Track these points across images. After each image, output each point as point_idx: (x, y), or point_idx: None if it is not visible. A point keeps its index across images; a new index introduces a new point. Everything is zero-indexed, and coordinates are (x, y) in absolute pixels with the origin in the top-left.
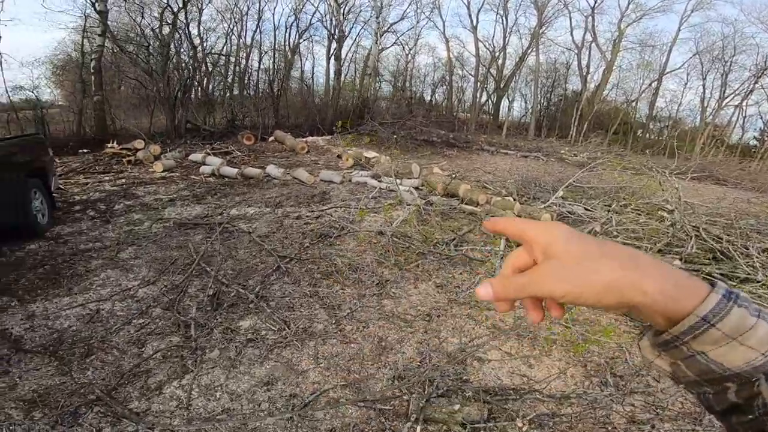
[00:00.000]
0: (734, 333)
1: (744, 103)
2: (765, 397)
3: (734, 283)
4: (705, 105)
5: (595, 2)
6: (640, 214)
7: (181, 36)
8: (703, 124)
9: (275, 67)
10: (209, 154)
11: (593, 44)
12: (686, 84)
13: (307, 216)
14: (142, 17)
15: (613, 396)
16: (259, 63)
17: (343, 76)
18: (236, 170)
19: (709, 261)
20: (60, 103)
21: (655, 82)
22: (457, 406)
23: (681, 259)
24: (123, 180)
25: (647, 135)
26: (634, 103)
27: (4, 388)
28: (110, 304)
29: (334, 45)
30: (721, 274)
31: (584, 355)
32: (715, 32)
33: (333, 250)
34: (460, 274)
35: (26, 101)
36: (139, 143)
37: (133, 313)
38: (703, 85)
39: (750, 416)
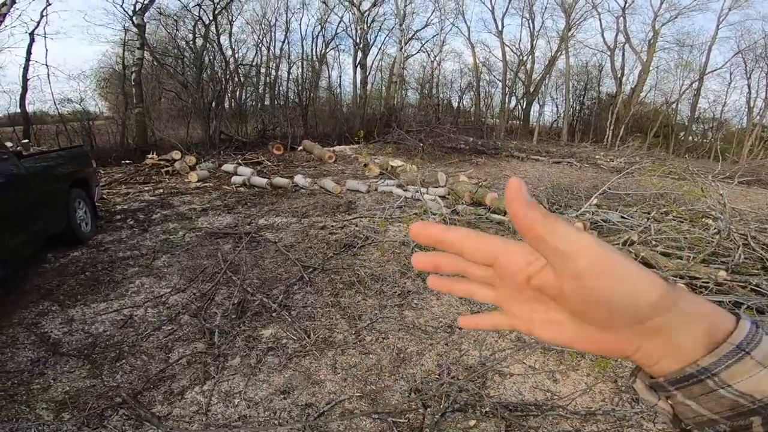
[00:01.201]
0: (765, 361)
1: None
2: None
3: None
4: (751, 105)
5: (626, 3)
6: (682, 222)
7: (213, 48)
8: (750, 126)
9: (303, 77)
10: (240, 165)
11: (626, 45)
12: (730, 84)
13: (332, 226)
14: (177, 30)
15: (644, 413)
16: (288, 73)
17: (369, 84)
18: (266, 180)
19: (757, 271)
20: (106, 114)
21: (696, 83)
22: (473, 422)
23: (727, 270)
24: (161, 190)
25: (690, 138)
26: (674, 105)
27: (39, 389)
28: (143, 310)
29: (359, 54)
30: None
31: (615, 371)
32: (757, 30)
33: (356, 260)
34: None
35: (73, 113)
36: (176, 154)
37: (163, 320)
38: (748, 85)
39: None
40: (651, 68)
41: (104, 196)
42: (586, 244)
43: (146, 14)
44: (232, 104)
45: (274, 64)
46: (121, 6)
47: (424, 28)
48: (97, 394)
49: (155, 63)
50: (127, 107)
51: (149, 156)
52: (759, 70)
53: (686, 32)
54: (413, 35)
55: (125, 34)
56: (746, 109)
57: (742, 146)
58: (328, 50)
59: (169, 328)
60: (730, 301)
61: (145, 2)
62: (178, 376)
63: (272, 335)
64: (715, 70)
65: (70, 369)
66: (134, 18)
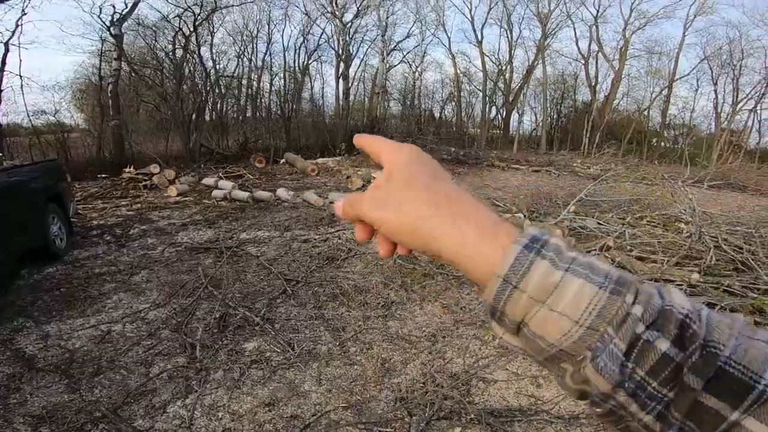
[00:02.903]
0: (540, 295)
1: (758, 107)
2: (596, 383)
3: (756, 295)
4: (719, 111)
5: (598, 12)
6: (655, 227)
7: (193, 59)
8: (718, 131)
9: (286, 88)
10: (221, 178)
11: (599, 54)
12: (697, 90)
13: (315, 239)
14: (156, 41)
15: None
16: (271, 85)
17: (352, 95)
18: (247, 194)
19: (729, 272)
20: (82, 126)
21: (666, 90)
22: (458, 429)
23: (700, 272)
24: (139, 205)
25: (662, 144)
26: (645, 112)
27: (15, 404)
28: (121, 325)
29: (341, 65)
30: (743, 287)
31: None
32: (721, 36)
33: (340, 272)
34: (467, 294)
35: (48, 125)
36: (154, 167)
37: (142, 335)
38: (715, 91)
39: (599, 410)
40: (623, 76)
41: (79, 211)
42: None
43: (124, 25)
44: (213, 116)
45: (256, 76)
46: (99, 16)
47: (405, 39)
48: (76, 409)
49: (133, 74)
50: (103, 119)
51: (126, 170)
52: (725, 75)
53: (655, 40)
54: (395, 46)
55: (102, 44)
56: (714, 115)
57: (712, 151)
58: (310, 62)
59: (149, 342)
60: (704, 302)
61: (124, 13)
62: (160, 390)
63: (255, 348)
64: (683, 77)
65: (47, 384)
66: (112, 28)
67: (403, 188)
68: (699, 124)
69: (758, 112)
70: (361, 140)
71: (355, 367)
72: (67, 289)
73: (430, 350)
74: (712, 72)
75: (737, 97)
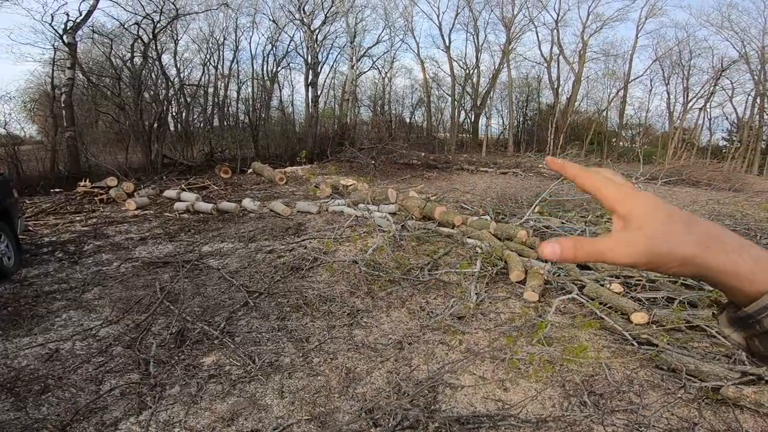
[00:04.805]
0: None
1: (708, 106)
2: None
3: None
4: (671, 110)
5: (558, 15)
6: None
7: (155, 67)
8: (672, 129)
9: (254, 96)
10: (184, 190)
11: (561, 57)
12: (651, 90)
13: (280, 249)
14: (112, 49)
15: (593, 416)
16: (238, 93)
17: (322, 103)
18: (211, 205)
19: None
20: (36, 138)
21: (622, 91)
22: None
23: None
24: (94, 220)
25: (621, 143)
26: (604, 113)
27: None
28: (70, 343)
29: (310, 73)
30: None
31: (562, 375)
32: (671, 37)
33: (305, 282)
34: (434, 298)
35: None
36: (111, 180)
37: (93, 352)
38: (667, 91)
39: None
40: (582, 78)
41: (29, 228)
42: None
43: (78, 33)
44: (178, 127)
45: (223, 84)
46: (50, 24)
47: (375, 45)
48: (22, 426)
49: (89, 83)
50: (57, 131)
51: (81, 183)
52: (675, 75)
53: (610, 42)
54: (364, 52)
55: (55, 53)
56: (667, 114)
57: (667, 149)
58: (279, 69)
59: (100, 360)
60: (663, 297)
61: (78, 21)
62: (111, 408)
63: (214, 362)
64: (637, 78)
65: None
66: (65, 36)
67: (669, 231)
68: (654, 124)
69: (708, 110)
70: (557, 166)
71: (319, 377)
72: (14, 308)
73: (396, 357)
74: (663, 72)
75: (688, 96)
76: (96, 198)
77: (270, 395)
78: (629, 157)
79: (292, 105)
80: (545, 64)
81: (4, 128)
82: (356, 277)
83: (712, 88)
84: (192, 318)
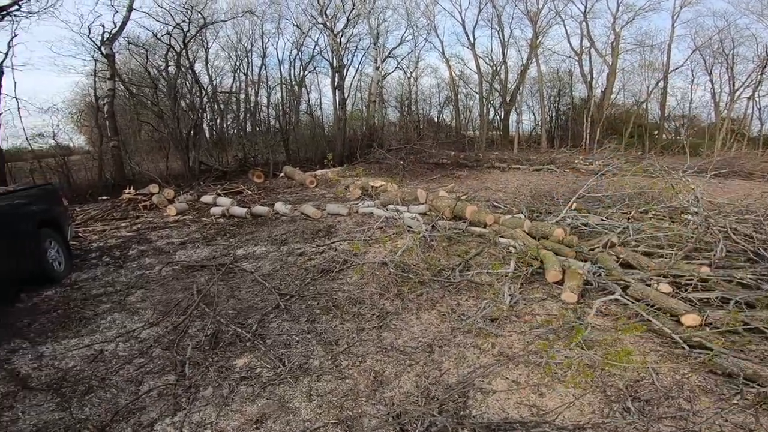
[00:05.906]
0: None
1: (756, 95)
2: None
3: None
4: (717, 100)
5: (586, 7)
6: (661, 220)
7: (188, 76)
8: (719, 120)
9: (283, 101)
10: (220, 195)
11: (592, 49)
12: (693, 80)
13: (311, 252)
14: (147, 59)
15: (636, 424)
16: (268, 98)
17: (349, 105)
18: (245, 209)
19: (742, 264)
20: (85, 149)
21: (662, 82)
22: None
23: (710, 265)
24: (138, 225)
25: (664, 136)
26: (644, 105)
27: (8, 422)
28: (114, 345)
29: (336, 76)
30: (757, 278)
31: (603, 380)
32: (710, 26)
33: (334, 284)
34: (466, 300)
35: (49, 148)
36: (153, 188)
37: (134, 353)
38: (711, 81)
39: None
40: (617, 70)
41: (79, 234)
42: None
43: (115, 44)
44: (213, 133)
45: (253, 90)
46: (89, 36)
47: (398, 45)
48: (65, 426)
49: (129, 93)
50: (102, 141)
51: (126, 191)
52: (718, 65)
53: (645, 32)
54: (389, 53)
55: (95, 64)
56: (713, 104)
57: (714, 141)
58: (306, 73)
59: (140, 361)
60: (717, 297)
61: (113, 32)
62: (148, 408)
63: (246, 365)
64: (676, 69)
65: (39, 402)
66: (102, 48)
67: None
68: (699, 114)
69: (756, 99)
70: None
71: (347, 381)
72: (64, 310)
73: (426, 361)
74: (705, 62)
75: (734, 85)
76: (140, 204)
77: (298, 398)
78: (673, 150)
79: (320, 108)
80: (576, 58)
81: (54, 139)
82: (386, 279)
83: (759, 76)
84: (226, 320)
